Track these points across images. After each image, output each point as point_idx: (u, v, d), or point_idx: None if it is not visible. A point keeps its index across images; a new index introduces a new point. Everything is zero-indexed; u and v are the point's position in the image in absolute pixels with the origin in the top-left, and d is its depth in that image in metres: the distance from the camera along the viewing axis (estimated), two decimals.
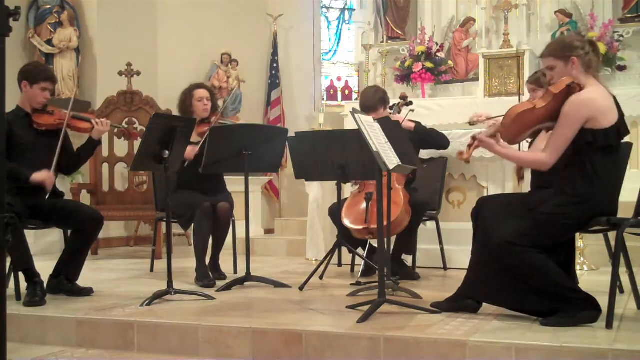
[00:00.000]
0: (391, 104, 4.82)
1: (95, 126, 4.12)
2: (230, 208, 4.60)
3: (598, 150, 3.03)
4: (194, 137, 4.59)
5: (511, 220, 3.08)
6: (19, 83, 4.04)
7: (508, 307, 3.20)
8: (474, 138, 3.22)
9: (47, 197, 3.97)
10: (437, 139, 4.82)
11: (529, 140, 3.66)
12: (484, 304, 3.29)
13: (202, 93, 4.75)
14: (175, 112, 5.01)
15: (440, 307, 3.32)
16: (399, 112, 4.80)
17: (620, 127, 3.07)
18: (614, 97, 3.12)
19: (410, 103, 4.95)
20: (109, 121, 4.27)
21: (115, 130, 4.52)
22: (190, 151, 4.45)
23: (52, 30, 7.53)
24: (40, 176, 3.88)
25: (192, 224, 4.61)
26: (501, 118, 3.93)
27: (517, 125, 3.10)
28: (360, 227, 4.42)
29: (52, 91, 4.20)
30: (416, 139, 4.59)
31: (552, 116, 3.08)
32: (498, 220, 3.12)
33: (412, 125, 4.72)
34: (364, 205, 4.46)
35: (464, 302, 3.28)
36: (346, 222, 4.48)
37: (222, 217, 4.56)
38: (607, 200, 3.07)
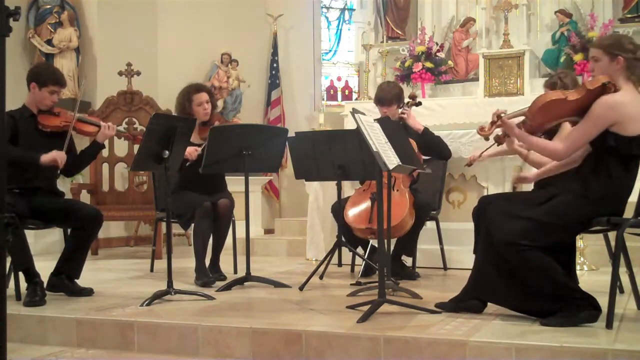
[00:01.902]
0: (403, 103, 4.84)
1: (102, 129, 4.13)
2: (229, 204, 4.59)
3: (618, 157, 3.01)
4: (197, 140, 4.59)
5: (513, 220, 3.07)
6: (28, 83, 4.05)
7: (510, 306, 3.20)
8: (498, 117, 3.20)
9: (59, 171, 3.99)
10: (440, 148, 4.84)
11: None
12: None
13: (201, 97, 4.69)
14: (175, 113, 5.00)
15: (445, 307, 3.32)
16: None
17: None
18: None
19: (419, 103, 4.97)
20: (115, 126, 4.28)
21: (121, 137, 4.54)
22: (193, 151, 4.45)
23: (52, 30, 7.53)
24: (50, 156, 3.87)
25: (192, 224, 4.61)
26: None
27: (544, 113, 3.07)
28: (363, 226, 4.42)
29: (60, 94, 4.21)
30: (421, 143, 4.60)
31: (580, 111, 3.04)
32: (500, 219, 3.11)
33: (421, 128, 4.73)
34: (368, 204, 4.45)
35: (468, 302, 3.28)
36: (349, 218, 4.48)
37: (222, 214, 4.55)
38: (614, 204, 3.06)
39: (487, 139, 3.32)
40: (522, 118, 3.25)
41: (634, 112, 2.99)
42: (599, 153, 3.03)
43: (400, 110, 4.74)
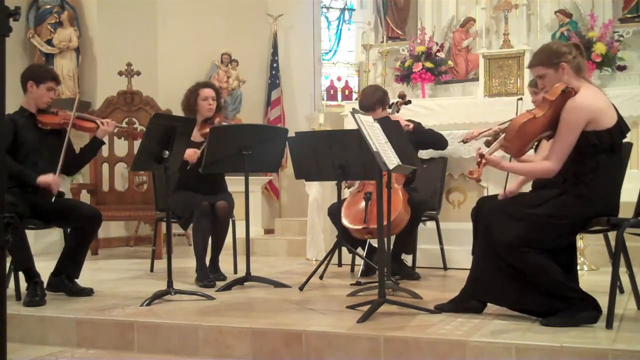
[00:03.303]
0: (389, 103, 4.83)
1: (100, 126, 4.14)
2: (228, 206, 4.59)
3: (603, 151, 3.03)
4: (197, 138, 4.59)
5: (511, 222, 3.07)
6: (24, 84, 4.06)
7: (510, 306, 3.20)
8: (481, 156, 3.22)
9: (53, 199, 3.98)
10: (435, 140, 4.83)
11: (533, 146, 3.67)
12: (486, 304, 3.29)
13: (208, 92, 4.72)
14: (177, 111, 4.99)
15: (444, 308, 3.32)
16: (397, 111, 4.80)
17: (622, 125, 3.08)
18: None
19: (409, 102, 4.95)
20: (113, 121, 4.29)
21: (116, 129, 4.53)
22: (193, 154, 4.45)
23: (52, 30, 7.53)
24: (46, 179, 3.90)
25: (192, 224, 4.61)
26: (491, 131, 3.94)
27: (521, 137, 3.10)
28: (360, 226, 4.43)
29: (56, 92, 4.23)
30: (415, 140, 4.59)
31: (552, 124, 3.08)
32: (498, 221, 3.11)
33: (411, 126, 4.72)
34: (362, 204, 4.46)
35: (468, 303, 3.28)
36: (345, 222, 4.49)
37: (221, 216, 4.55)
38: (609, 201, 3.07)
39: (478, 181, 3.32)
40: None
41: (601, 105, 3.04)
42: (585, 153, 3.04)
43: (389, 112, 4.73)
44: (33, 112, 4.08)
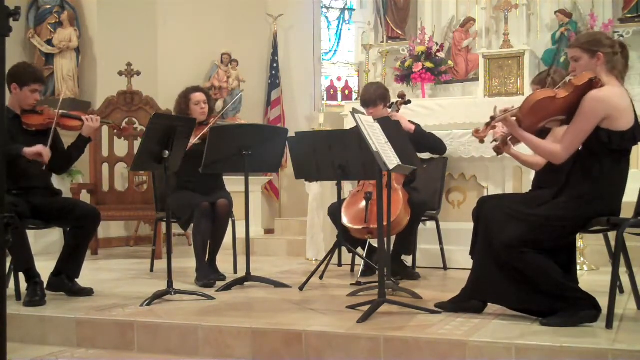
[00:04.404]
0: (390, 102, 4.83)
1: (85, 122, 4.11)
2: (228, 204, 4.60)
3: (610, 152, 3.01)
4: (192, 139, 4.60)
5: (511, 223, 3.07)
6: (8, 84, 3.98)
7: (511, 306, 3.20)
8: (493, 118, 3.18)
9: (44, 167, 3.90)
10: (434, 144, 4.84)
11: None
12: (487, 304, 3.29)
13: (198, 97, 4.75)
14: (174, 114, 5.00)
15: (444, 307, 3.32)
16: (397, 111, 4.80)
17: (636, 132, 3.05)
18: (631, 102, 3.09)
19: (409, 102, 4.95)
20: (98, 117, 4.25)
21: (116, 131, 4.51)
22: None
23: (52, 30, 7.53)
24: (34, 148, 3.81)
25: (192, 224, 4.61)
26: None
27: (535, 113, 3.05)
28: (360, 226, 4.43)
29: (42, 92, 4.18)
30: (413, 142, 4.60)
31: (569, 109, 3.04)
32: (498, 221, 3.11)
33: (412, 127, 4.73)
34: (363, 204, 4.46)
35: (468, 302, 3.28)
36: (345, 221, 4.49)
37: (221, 214, 4.56)
38: (611, 202, 3.06)
39: (482, 141, 3.29)
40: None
41: (623, 105, 3.02)
42: (591, 152, 3.03)
43: (389, 111, 4.74)
44: (18, 113, 4.03)
